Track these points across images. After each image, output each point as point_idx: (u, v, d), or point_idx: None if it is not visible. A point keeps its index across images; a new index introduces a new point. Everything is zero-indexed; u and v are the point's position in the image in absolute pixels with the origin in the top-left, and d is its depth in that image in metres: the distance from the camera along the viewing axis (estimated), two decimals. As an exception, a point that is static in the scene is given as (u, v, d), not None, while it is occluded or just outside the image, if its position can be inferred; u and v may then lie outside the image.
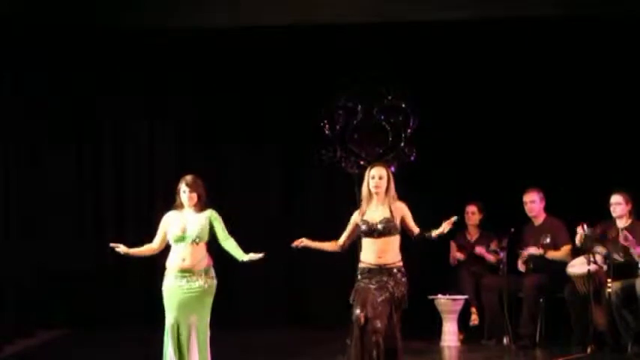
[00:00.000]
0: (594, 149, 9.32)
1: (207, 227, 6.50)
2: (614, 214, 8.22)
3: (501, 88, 9.56)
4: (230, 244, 6.54)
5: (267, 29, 9.38)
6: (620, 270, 7.99)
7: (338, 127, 9.57)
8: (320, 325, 9.58)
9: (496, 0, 9.06)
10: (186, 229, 6.44)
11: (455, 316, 8.71)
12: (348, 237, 6.54)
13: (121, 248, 6.46)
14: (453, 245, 9.14)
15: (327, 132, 9.58)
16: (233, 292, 9.31)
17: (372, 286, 6.31)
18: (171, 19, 9.34)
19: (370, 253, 6.36)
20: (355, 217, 6.49)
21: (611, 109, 9.38)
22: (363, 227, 6.36)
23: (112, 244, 6.48)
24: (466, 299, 8.79)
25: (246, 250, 6.59)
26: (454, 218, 6.35)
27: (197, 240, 6.43)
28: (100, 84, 9.97)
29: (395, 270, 6.34)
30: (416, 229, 6.44)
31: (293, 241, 9.88)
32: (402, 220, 6.41)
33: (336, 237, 6.63)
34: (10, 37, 8.92)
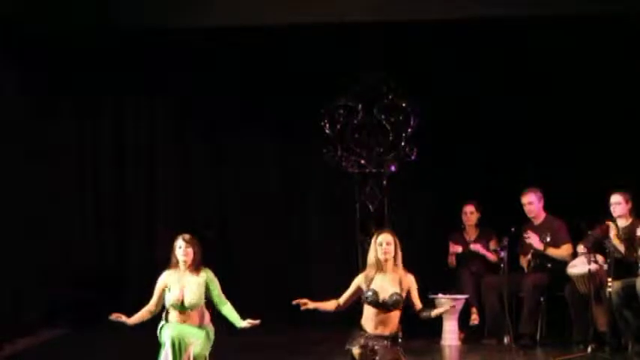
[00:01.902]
0: (594, 149, 9.32)
1: (204, 292, 6.52)
2: (614, 214, 8.21)
3: (501, 88, 9.56)
4: (227, 309, 6.59)
5: (267, 29, 9.38)
6: (621, 269, 7.98)
7: (338, 126, 9.57)
8: (320, 324, 9.56)
9: (496, 0, 9.08)
10: (184, 297, 6.45)
11: (455, 316, 8.69)
12: (348, 299, 6.41)
13: (123, 318, 6.46)
14: (451, 246, 9.14)
15: (327, 131, 9.59)
16: (233, 291, 9.29)
17: (370, 342, 6.21)
18: (171, 19, 9.34)
19: (370, 321, 6.28)
20: (359, 281, 6.37)
21: (610, 109, 9.38)
22: (370, 297, 6.24)
23: (113, 316, 6.47)
24: (466, 299, 8.79)
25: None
26: (450, 305, 6.52)
27: (196, 307, 6.48)
28: (101, 84, 9.97)
29: (392, 338, 6.28)
30: (419, 305, 6.36)
31: (292, 240, 10.03)
32: (408, 293, 6.32)
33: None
34: (12, 38, 8.92)
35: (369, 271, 6.35)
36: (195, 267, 6.54)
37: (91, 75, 9.91)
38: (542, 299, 8.62)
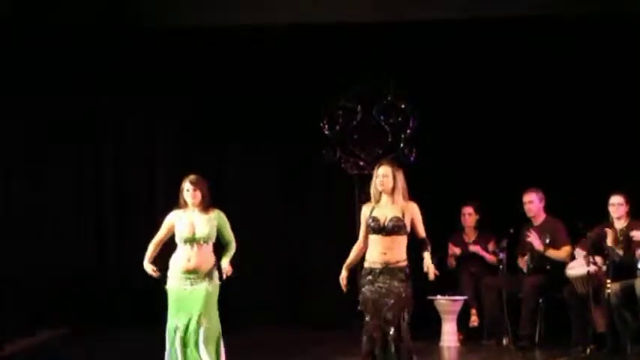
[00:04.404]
0: (593, 149, 9.32)
1: (215, 228, 6.46)
2: (614, 215, 8.21)
3: (501, 88, 9.56)
4: (230, 247, 6.54)
5: (267, 29, 9.38)
6: (620, 271, 7.98)
7: (337, 127, 9.57)
8: (320, 324, 9.58)
9: (496, 0, 9.07)
10: (195, 229, 6.40)
11: (454, 317, 8.71)
12: (366, 234, 6.47)
13: (152, 270, 6.45)
14: (451, 247, 9.14)
15: (326, 132, 9.59)
16: (234, 291, 9.29)
17: (377, 296, 6.28)
18: (171, 19, 9.34)
19: (375, 250, 6.35)
20: (365, 215, 6.46)
21: (610, 109, 9.38)
22: (372, 224, 6.34)
23: (152, 272, 6.45)
24: (466, 300, 8.79)
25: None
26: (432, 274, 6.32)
27: (207, 241, 6.42)
28: (100, 84, 9.97)
29: (398, 271, 6.31)
30: (422, 234, 6.42)
31: (292, 240, 10.04)
32: (411, 222, 6.39)
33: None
34: (11, 37, 8.93)
35: (371, 201, 6.47)
36: (205, 207, 6.46)
37: (91, 75, 9.90)
38: (541, 301, 8.62)
